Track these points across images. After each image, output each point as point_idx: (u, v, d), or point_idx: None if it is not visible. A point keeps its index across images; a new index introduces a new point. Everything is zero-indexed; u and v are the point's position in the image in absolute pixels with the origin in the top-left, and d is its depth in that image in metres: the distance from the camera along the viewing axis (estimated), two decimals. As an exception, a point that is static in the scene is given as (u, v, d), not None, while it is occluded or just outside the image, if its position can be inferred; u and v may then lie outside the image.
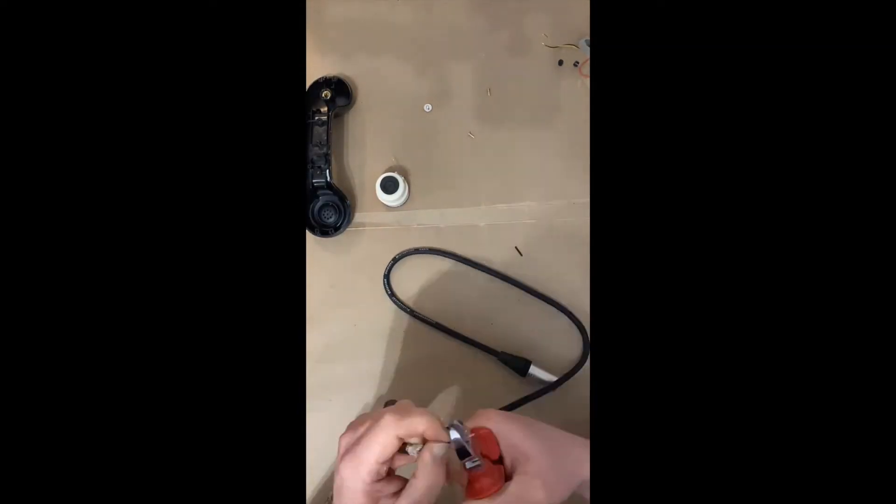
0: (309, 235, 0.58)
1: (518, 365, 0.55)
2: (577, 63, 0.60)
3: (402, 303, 0.57)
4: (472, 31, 0.62)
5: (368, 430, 0.34)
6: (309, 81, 0.59)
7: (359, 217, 0.59)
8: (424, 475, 0.34)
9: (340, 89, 0.60)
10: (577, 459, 0.37)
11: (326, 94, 0.58)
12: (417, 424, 0.34)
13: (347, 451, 0.34)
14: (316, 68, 0.60)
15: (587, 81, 0.60)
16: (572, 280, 0.57)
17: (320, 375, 0.56)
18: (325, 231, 0.57)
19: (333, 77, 0.60)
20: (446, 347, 0.57)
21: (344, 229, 0.58)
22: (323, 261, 0.58)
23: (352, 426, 0.37)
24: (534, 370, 0.55)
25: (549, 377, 0.54)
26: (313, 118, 0.57)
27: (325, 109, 0.57)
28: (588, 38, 0.60)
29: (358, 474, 0.34)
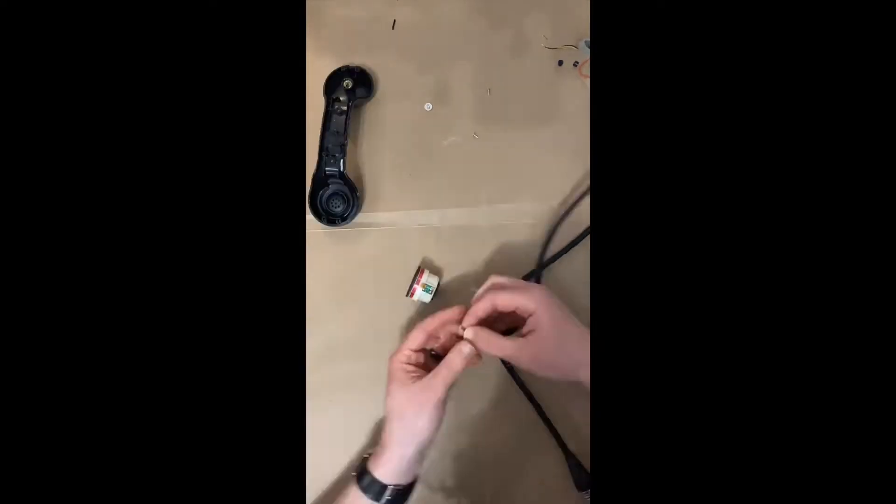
0: (313, 229, 0.58)
1: (580, 479, 0.51)
2: (577, 63, 0.60)
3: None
4: (472, 31, 0.62)
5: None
6: (309, 81, 0.59)
7: (360, 218, 0.59)
8: (448, 362, 0.45)
9: (362, 80, 0.59)
10: (577, 344, 0.44)
11: (348, 83, 0.58)
12: (435, 322, 0.47)
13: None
14: (316, 68, 0.60)
15: (587, 82, 0.60)
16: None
17: (321, 375, 0.56)
18: (332, 220, 0.57)
19: (356, 67, 0.59)
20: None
21: (351, 219, 0.58)
22: (324, 261, 0.58)
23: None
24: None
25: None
26: (333, 106, 0.57)
27: (344, 98, 0.57)
28: (587, 39, 0.60)
29: (397, 358, 0.47)
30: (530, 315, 0.44)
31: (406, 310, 0.57)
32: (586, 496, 0.51)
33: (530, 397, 0.54)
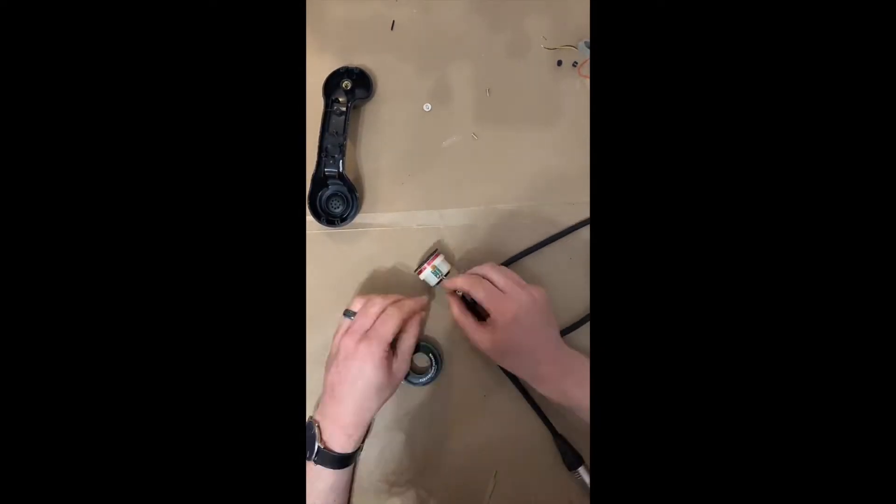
0: (312, 230, 0.58)
1: (569, 458, 0.52)
2: (577, 63, 0.60)
3: None
4: (472, 31, 0.62)
5: (381, 320, 0.49)
6: (309, 80, 0.59)
7: (359, 218, 0.59)
8: (410, 334, 0.51)
9: (361, 81, 0.59)
10: (539, 349, 0.49)
11: (347, 84, 0.58)
12: (413, 306, 0.52)
13: (364, 337, 0.49)
14: (316, 68, 0.60)
15: (586, 82, 0.60)
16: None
17: (321, 375, 0.56)
18: (332, 221, 0.57)
19: (356, 67, 0.59)
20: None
21: (350, 220, 0.58)
22: (324, 261, 0.58)
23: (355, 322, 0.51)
24: (583, 473, 0.52)
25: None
26: (332, 107, 0.57)
27: (343, 99, 0.57)
28: (587, 40, 0.60)
29: (383, 346, 0.48)
30: (495, 307, 0.48)
31: (406, 310, 0.57)
32: (576, 474, 0.52)
33: (515, 381, 0.55)
